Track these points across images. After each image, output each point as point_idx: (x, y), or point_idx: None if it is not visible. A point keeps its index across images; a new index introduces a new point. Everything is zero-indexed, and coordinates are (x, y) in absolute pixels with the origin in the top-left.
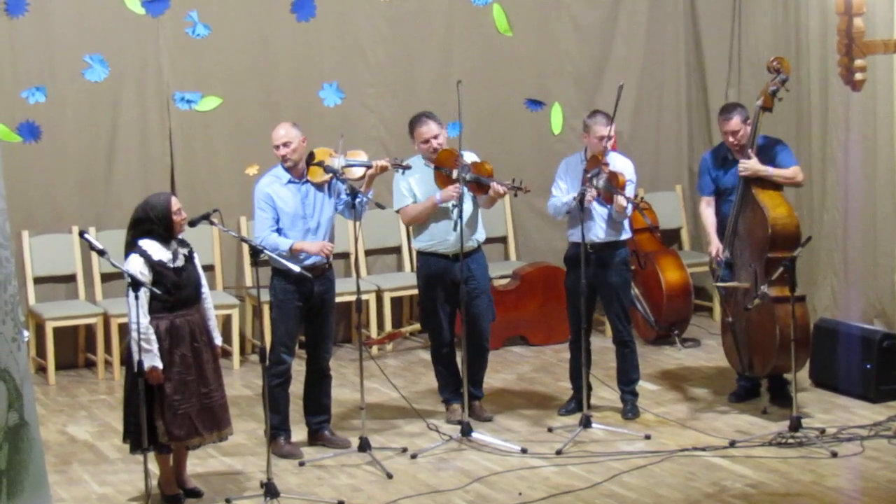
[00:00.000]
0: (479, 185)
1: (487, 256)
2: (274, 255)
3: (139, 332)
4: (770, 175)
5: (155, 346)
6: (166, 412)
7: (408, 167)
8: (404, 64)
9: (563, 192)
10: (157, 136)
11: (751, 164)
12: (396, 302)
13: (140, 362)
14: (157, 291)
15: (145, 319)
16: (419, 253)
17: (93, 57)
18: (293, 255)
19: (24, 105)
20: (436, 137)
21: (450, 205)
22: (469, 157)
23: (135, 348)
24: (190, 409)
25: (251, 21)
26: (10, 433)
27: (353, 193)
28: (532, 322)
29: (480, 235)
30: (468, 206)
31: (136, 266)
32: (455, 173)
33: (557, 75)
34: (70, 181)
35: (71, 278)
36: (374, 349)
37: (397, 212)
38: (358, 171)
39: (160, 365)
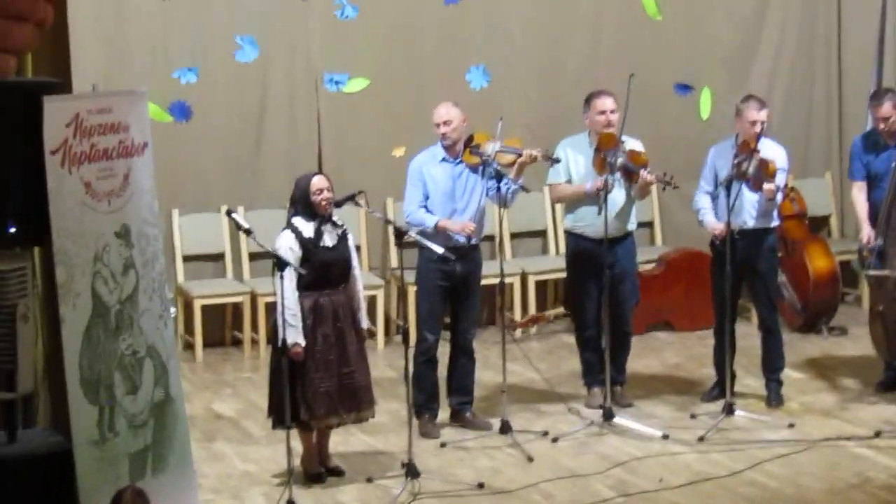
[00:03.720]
0: (628, 172)
1: None
2: (418, 237)
3: (284, 307)
4: None
5: (299, 323)
6: (307, 390)
7: (557, 160)
8: (551, 48)
9: (708, 184)
10: (304, 117)
11: None
12: (541, 285)
13: (284, 339)
14: (302, 272)
15: (294, 295)
16: (568, 233)
17: (244, 38)
18: (438, 232)
19: (177, 85)
20: (612, 112)
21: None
22: (632, 144)
23: (280, 323)
24: (330, 388)
25: (399, 3)
26: (156, 409)
27: (499, 177)
28: (677, 308)
29: (632, 225)
30: (621, 196)
31: (286, 242)
32: (611, 155)
33: (707, 60)
34: (219, 161)
35: (219, 257)
36: (518, 332)
37: (548, 185)
38: (509, 158)
39: (303, 342)
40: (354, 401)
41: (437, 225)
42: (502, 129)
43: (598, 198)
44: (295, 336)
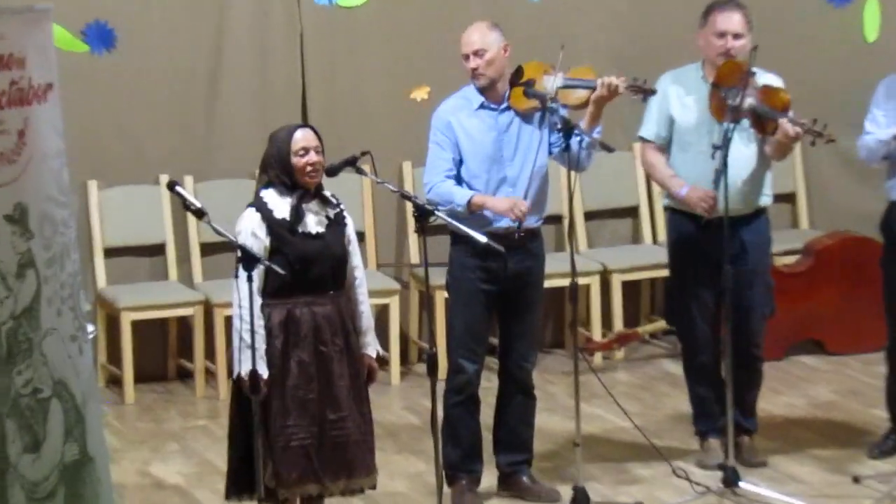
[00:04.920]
0: (759, 120)
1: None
2: (449, 219)
3: (241, 321)
4: None
5: (262, 344)
6: (275, 444)
7: (652, 91)
8: None
9: (880, 127)
10: (282, 46)
11: None
12: (631, 288)
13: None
14: (280, 272)
15: (256, 303)
16: (669, 211)
17: None
18: (473, 212)
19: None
20: (736, 36)
21: (710, 146)
22: (766, 79)
23: (236, 345)
24: (307, 441)
25: None
26: (67, 473)
27: (568, 129)
28: (831, 320)
29: (765, 199)
30: (749, 155)
31: (248, 225)
32: (733, 94)
33: None
34: (157, 111)
35: (158, 250)
36: (598, 357)
37: (640, 139)
38: (579, 96)
39: (264, 372)
40: (344, 462)
41: (472, 202)
42: (563, 58)
43: (707, 156)
44: (252, 363)
